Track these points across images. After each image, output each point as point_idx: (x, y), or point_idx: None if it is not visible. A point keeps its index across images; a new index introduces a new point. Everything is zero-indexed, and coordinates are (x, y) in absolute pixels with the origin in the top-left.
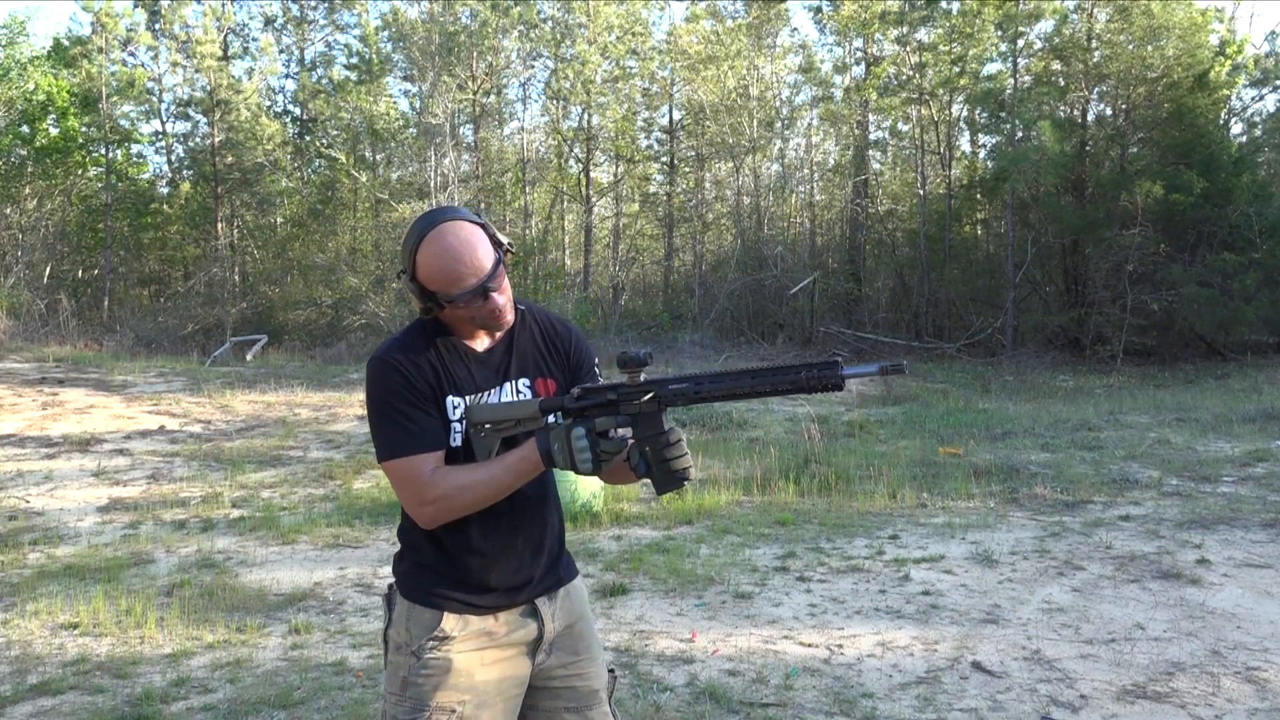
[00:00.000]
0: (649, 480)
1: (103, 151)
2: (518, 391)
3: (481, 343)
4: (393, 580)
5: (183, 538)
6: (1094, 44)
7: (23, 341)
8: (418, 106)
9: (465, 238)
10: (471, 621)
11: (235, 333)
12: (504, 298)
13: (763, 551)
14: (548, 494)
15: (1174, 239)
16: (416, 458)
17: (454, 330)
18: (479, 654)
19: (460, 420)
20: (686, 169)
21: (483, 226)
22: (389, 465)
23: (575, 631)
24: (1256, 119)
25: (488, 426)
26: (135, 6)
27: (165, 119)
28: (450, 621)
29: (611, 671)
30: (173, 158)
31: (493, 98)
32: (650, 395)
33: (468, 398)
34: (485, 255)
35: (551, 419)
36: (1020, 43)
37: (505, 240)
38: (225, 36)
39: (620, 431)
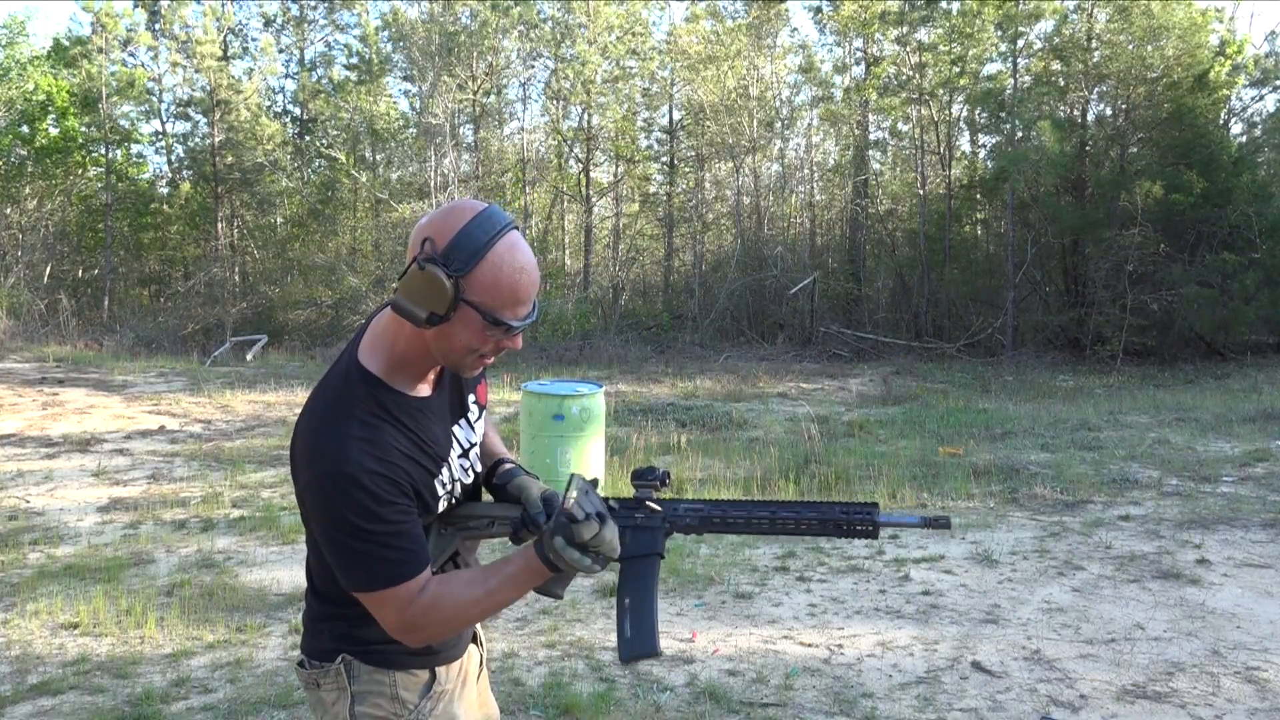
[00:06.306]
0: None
1: (103, 151)
2: (470, 422)
3: (424, 388)
4: (342, 655)
5: (183, 538)
6: (1094, 44)
7: (23, 341)
8: (418, 106)
9: (534, 260)
10: (452, 667)
11: (235, 333)
12: None
13: (763, 551)
14: None
15: (1174, 239)
16: (405, 585)
17: (399, 371)
18: (464, 698)
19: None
20: (686, 169)
21: None
22: (373, 596)
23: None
24: (1256, 119)
25: (450, 529)
26: (135, 6)
27: (165, 119)
28: (442, 673)
29: None
30: (173, 158)
31: (493, 98)
32: (655, 512)
33: (446, 463)
34: None
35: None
36: (1020, 43)
37: None
38: (225, 36)
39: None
